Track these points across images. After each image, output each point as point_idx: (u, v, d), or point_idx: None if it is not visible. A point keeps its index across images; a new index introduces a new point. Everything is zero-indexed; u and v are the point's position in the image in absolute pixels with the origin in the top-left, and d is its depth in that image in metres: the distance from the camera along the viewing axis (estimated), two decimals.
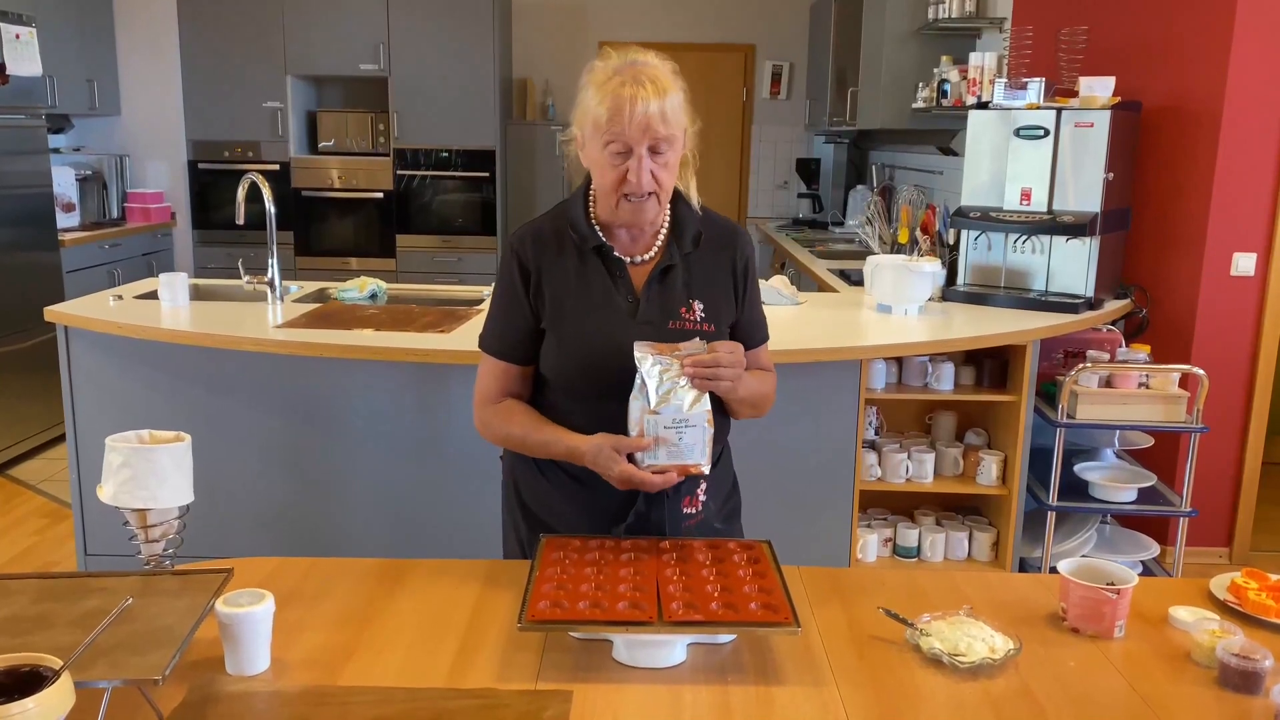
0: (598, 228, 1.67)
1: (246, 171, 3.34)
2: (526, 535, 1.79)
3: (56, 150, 5.83)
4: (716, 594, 1.43)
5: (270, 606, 1.35)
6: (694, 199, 1.73)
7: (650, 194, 1.58)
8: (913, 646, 1.44)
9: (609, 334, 1.62)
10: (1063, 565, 1.55)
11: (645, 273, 1.67)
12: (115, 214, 6.07)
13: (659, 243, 1.69)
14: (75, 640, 1.24)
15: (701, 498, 1.74)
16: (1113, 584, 1.51)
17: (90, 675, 1.18)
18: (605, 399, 1.61)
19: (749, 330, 1.76)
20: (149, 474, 1.46)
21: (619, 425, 1.59)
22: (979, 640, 1.42)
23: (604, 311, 1.64)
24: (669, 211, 1.70)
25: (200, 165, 6.26)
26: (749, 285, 1.75)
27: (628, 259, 1.67)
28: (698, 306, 1.67)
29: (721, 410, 1.72)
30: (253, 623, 1.33)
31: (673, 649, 1.38)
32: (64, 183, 5.46)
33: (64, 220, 5.41)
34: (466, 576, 1.65)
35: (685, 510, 1.72)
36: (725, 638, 1.42)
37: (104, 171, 5.95)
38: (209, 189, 6.29)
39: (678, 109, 1.57)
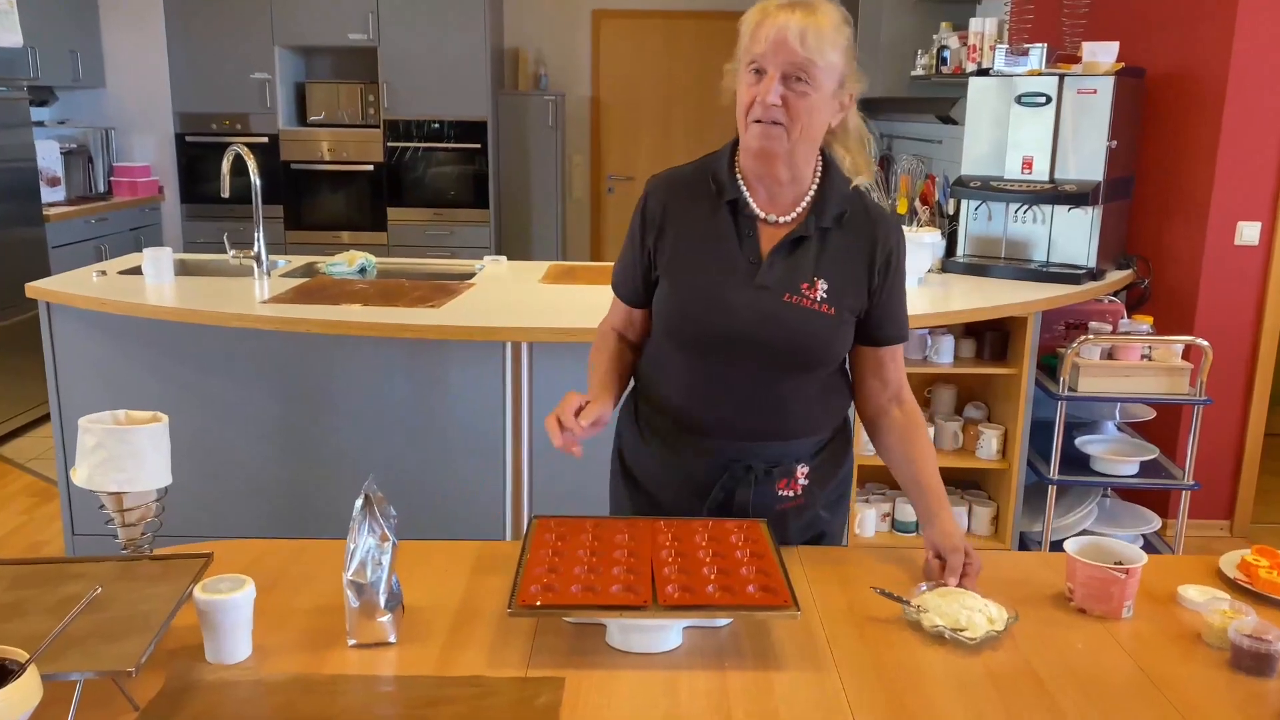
0: (740, 180, 1.59)
1: (235, 144, 3.28)
2: (629, 500, 1.74)
3: (40, 124, 5.72)
4: (713, 576, 1.39)
5: (251, 592, 1.30)
6: (860, 177, 1.60)
7: (779, 124, 1.48)
8: (912, 624, 1.41)
9: (721, 290, 1.56)
10: (1070, 544, 1.50)
11: (777, 236, 1.57)
12: (102, 188, 5.97)
13: (799, 209, 1.58)
14: (49, 628, 1.20)
15: (802, 481, 1.65)
16: (1120, 563, 1.47)
17: (62, 666, 1.14)
18: (707, 355, 1.58)
19: (881, 325, 1.62)
20: (125, 456, 1.42)
21: (716, 381, 1.59)
22: (976, 612, 1.38)
23: (722, 265, 1.56)
24: (819, 175, 1.59)
25: (187, 138, 6.16)
26: (890, 278, 1.60)
27: (762, 215, 1.58)
28: (820, 285, 1.55)
29: (844, 387, 1.69)
30: (232, 609, 1.29)
31: (668, 633, 1.34)
32: (48, 156, 5.36)
33: (49, 195, 5.32)
34: (455, 558, 1.61)
35: (781, 493, 1.64)
36: (723, 621, 1.38)
37: (89, 145, 5.85)
38: (197, 162, 6.20)
39: (825, 40, 1.45)
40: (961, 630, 1.36)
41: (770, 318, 1.55)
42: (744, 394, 1.59)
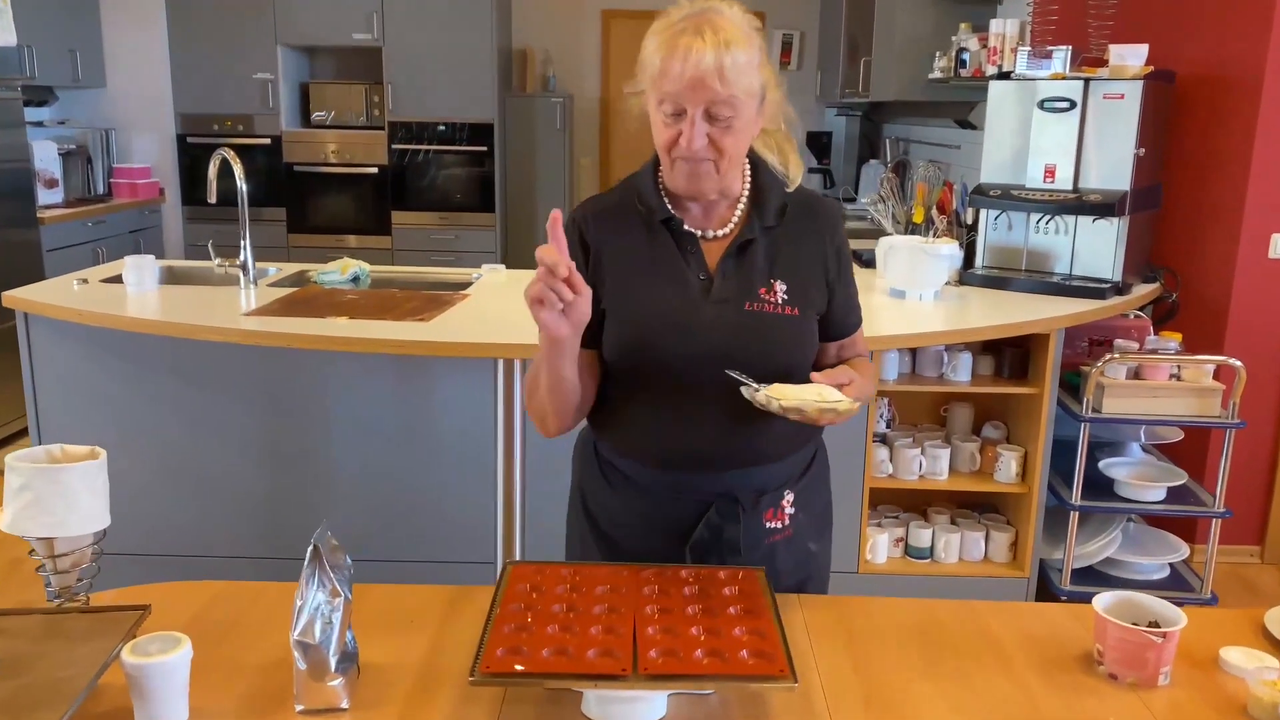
0: (667, 199, 1.49)
1: (239, 146, 3.17)
2: (595, 546, 1.61)
3: (40, 124, 5.63)
4: (702, 637, 1.25)
5: (186, 654, 1.17)
6: (790, 172, 1.53)
7: (708, 160, 1.39)
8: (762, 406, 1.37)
9: (678, 313, 1.45)
10: (1099, 601, 1.35)
11: (721, 247, 1.49)
12: (101, 190, 5.88)
13: (737, 215, 1.50)
14: None
15: (788, 510, 1.54)
16: (1156, 623, 1.32)
17: None
18: (675, 385, 1.45)
19: (843, 316, 1.56)
20: (55, 497, 1.28)
21: (689, 410, 1.46)
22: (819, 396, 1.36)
23: (673, 289, 1.46)
24: (749, 180, 1.51)
25: (189, 139, 6.05)
26: (843, 266, 1.55)
27: (699, 233, 1.49)
28: (779, 287, 1.47)
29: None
30: (164, 673, 1.15)
31: (650, 703, 1.20)
32: (46, 157, 5.26)
33: (47, 197, 5.23)
34: (426, 605, 1.47)
35: (768, 524, 1.53)
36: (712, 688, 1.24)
37: (89, 146, 5.75)
38: (199, 164, 6.08)
39: (743, 67, 1.34)
40: (821, 403, 1.33)
41: (735, 332, 1.45)
42: (721, 419, 1.46)
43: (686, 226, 1.48)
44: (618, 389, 1.52)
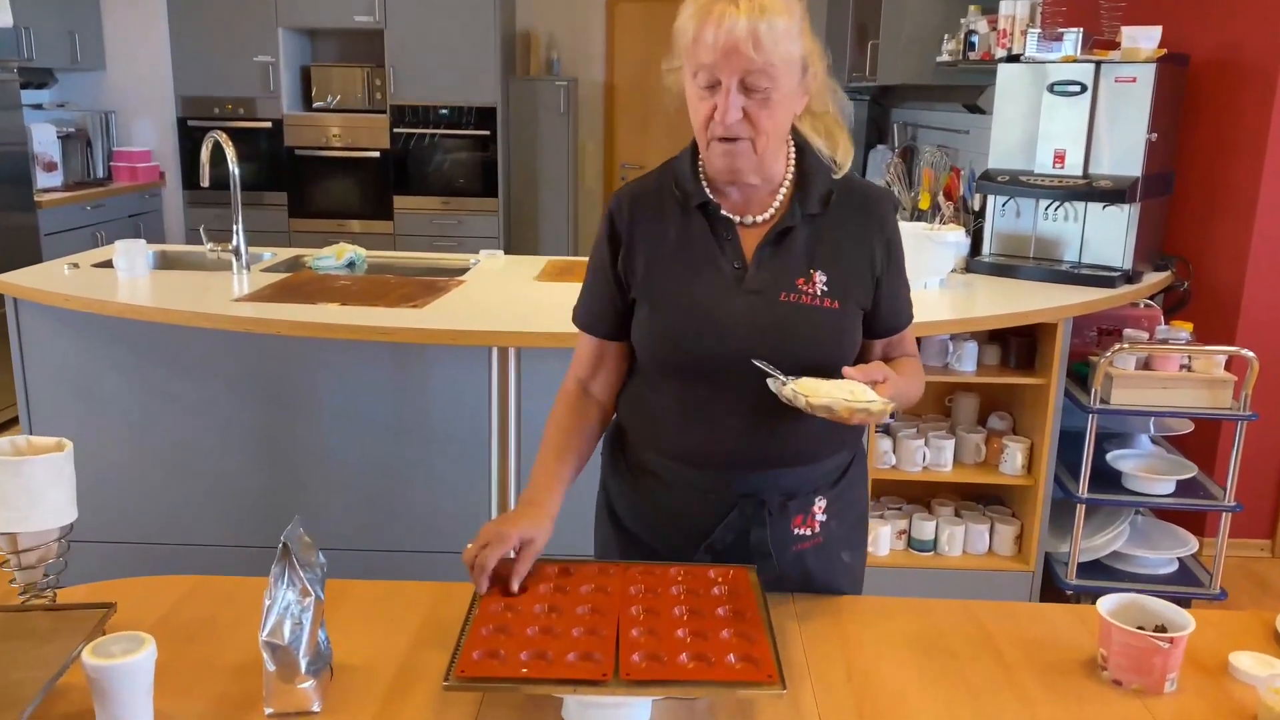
0: (705, 183, 1.42)
1: (240, 129, 3.13)
2: (616, 543, 1.55)
3: (38, 106, 5.59)
4: (688, 640, 1.20)
5: (150, 654, 1.13)
6: (839, 157, 1.44)
7: (744, 138, 1.32)
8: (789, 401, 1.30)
9: (707, 302, 1.38)
10: (1103, 604, 1.30)
11: (760, 234, 1.41)
12: (101, 173, 5.83)
13: (778, 201, 1.42)
14: None
15: (820, 517, 1.47)
16: (1163, 628, 1.27)
17: None
18: (703, 379, 1.39)
19: (890, 313, 1.47)
20: (18, 491, 1.24)
21: (717, 406, 1.40)
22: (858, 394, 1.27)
23: (704, 277, 1.39)
24: (793, 164, 1.43)
25: (190, 122, 5.99)
26: (893, 260, 1.45)
27: (738, 219, 1.41)
28: (819, 278, 1.39)
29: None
30: (126, 675, 1.11)
31: (633, 709, 1.15)
32: (45, 140, 5.22)
33: (46, 180, 5.19)
34: (409, 604, 1.43)
35: (797, 531, 1.46)
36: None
37: (88, 129, 5.70)
38: (200, 147, 6.03)
39: (781, 35, 1.27)
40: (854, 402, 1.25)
41: (768, 325, 1.37)
42: (748, 417, 1.39)
43: (724, 212, 1.41)
44: (645, 379, 1.47)
